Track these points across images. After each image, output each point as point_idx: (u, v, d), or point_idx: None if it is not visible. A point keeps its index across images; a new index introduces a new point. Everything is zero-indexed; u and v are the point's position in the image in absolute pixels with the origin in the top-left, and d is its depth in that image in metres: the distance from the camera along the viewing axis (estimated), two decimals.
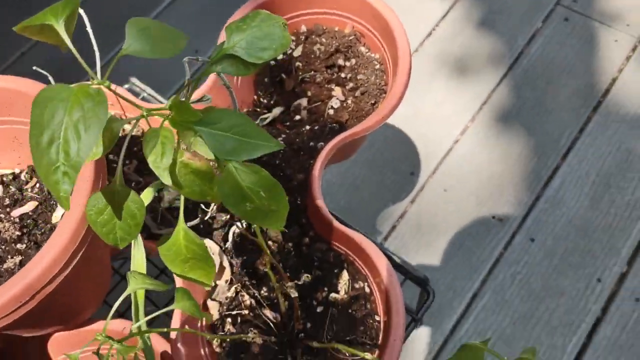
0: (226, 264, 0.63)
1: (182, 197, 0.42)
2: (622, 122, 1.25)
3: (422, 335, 1.09)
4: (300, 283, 0.58)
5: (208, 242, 0.64)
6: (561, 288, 1.10)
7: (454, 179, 1.23)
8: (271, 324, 0.61)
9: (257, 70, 0.73)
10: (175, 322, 0.58)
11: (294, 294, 0.54)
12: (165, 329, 0.45)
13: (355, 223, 0.74)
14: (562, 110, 1.27)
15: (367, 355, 0.49)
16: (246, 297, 0.62)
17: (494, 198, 1.20)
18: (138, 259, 0.46)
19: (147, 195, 0.47)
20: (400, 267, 0.75)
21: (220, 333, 0.61)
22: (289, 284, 0.54)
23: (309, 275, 0.62)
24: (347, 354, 0.57)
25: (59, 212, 0.53)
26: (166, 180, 0.37)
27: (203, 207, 0.64)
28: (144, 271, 0.46)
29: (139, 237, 0.46)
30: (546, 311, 1.09)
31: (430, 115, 1.29)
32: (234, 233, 0.65)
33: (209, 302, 0.62)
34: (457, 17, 1.40)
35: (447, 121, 1.28)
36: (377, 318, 0.60)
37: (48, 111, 0.33)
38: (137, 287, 0.40)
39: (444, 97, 1.31)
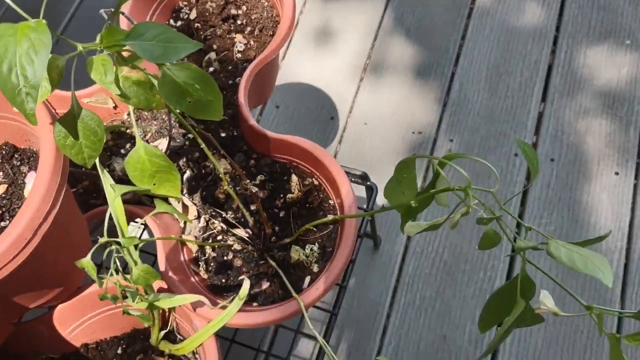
0: (189, 203, 0.70)
1: (132, 109, 0.49)
2: (494, 20, 1.40)
3: (382, 250, 1.19)
4: (257, 183, 0.66)
5: None
6: (487, 172, 1.23)
7: (369, 111, 1.33)
8: (245, 238, 0.69)
9: None
10: (161, 258, 0.64)
11: (254, 189, 0.62)
12: (150, 239, 0.52)
13: None
14: (442, 26, 1.41)
15: (330, 216, 0.58)
16: (216, 223, 0.69)
17: (408, 116, 1.32)
18: (106, 181, 0.52)
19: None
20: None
21: (202, 259, 0.68)
22: (247, 181, 0.62)
23: (264, 191, 0.70)
24: (316, 230, 0.66)
25: (28, 186, 0.59)
26: (114, 91, 0.44)
27: None
28: (119, 200, 0.53)
29: (105, 173, 0.52)
30: (481, 195, 1.22)
31: (332, 65, 1.39)
32: (188, 177, 0.72)
33: (185, 238, 0.70)
34: None
35: (348, 64, 1.39)
36: (330, 201, 0.69)
37: (1, 46, 0.39)
38: (116, 195, 0.47)
39: (337, 46, 1.41)
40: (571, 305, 1.06)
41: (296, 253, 0.65)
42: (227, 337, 0.79)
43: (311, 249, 0.65)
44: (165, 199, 0.67)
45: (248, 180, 0.63)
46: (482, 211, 0.55)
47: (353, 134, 1.32)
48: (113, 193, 0.47)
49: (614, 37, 1.34)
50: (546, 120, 1.27)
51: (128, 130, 0.75)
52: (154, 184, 0.51)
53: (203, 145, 0.59)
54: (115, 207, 0.51)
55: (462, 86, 1.33)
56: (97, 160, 0.54)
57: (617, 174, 1.20)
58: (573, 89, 1.30)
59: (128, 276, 0.49)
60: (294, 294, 0.61)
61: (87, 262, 0.45)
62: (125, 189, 0.48)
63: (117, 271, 0.48)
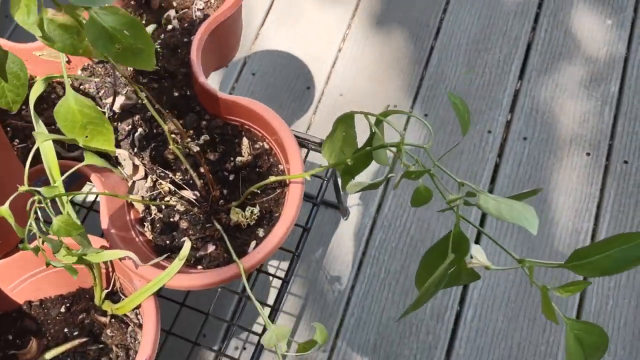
0: (138, 162, 0.69)
1: (63, 60, 0.47)
2: None
3: (350, 222, 1.19)
4: (200, 143, 0.64)
5: (118, 150, 0.70)
6: (459, 147, 1.22)
7: (346, 82, 1.32)
8: (192, 200, 0.68)
9: None
10: (104, 216, 0.63)
11: (196, 148, 0.61)
12: (87, 192, 0.51)
13: None
14: None
15: (272, 177, 0.57)
16: (164, 184, 0.68)
17: (385, 89, 1.30)
18: (40, 128, 0.51)
19: (38, 87, 0.52)
20: (300, 139, 0.82)
21: (148, 219, 0.67)
22: (188, 140, 0.61)
23: (215, 153, 0.69)
24: (263, 194, 0.65)
25: None
26: (37, 32, 0.43)
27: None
28: (51, 144, 0.51)
29: (38, 118, 0.51)
30: (452, 171, 1.21)
31: (311, 34, 1.37)
32: (139, 136, 0.71)
33: (132, 198, 0.68)
34: None
35: (327, 34, 1.36)
36: (280, 167, 0.68)
37: None
38: (38, 143, 0.46)
39: (318, 14, 1.39)
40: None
41: (235, 215, 0.64)
42: (177, 301, 0.78)
43: (251, 212, 0.64)
44: (106, 155, 0.66)
45: (189, 139, 0.62)
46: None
47: (328, 105, 1.30)
48: (40, 139, 0.46)
49: (596, 16, 1.32)
50: (522, 98, 1.26)
51: (81, 87, 0.73)
52: (86, 137, 0.50)
53: (146, 103, 0.58)
54: (47, 154, 0.50)
55: (441, 61, 1.32)
56: (31, 108, 0.52)
57: (588, 154, 1.19)
58: (551, 68, 1.28)
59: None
60: (234, 256, 0.60)
61: (4, 210, 0.44)
62: (51, 136, 0.47)
63: (38, 222, 0.47)
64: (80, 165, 0.49)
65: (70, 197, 0.49)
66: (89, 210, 0.85)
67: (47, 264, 0.48)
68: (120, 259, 0.59)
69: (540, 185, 1.18)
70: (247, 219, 0.64)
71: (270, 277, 1.13)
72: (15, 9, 0.42)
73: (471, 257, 0.51)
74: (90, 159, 0.48)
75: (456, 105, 0.49)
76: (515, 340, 1.07)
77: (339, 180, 0.99)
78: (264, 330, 0.76)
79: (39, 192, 0.44)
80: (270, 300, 1.11)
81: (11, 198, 0.44)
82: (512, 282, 1.11)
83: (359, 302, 1.12)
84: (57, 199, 0.49)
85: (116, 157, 0.70)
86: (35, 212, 0.46)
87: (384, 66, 1.32)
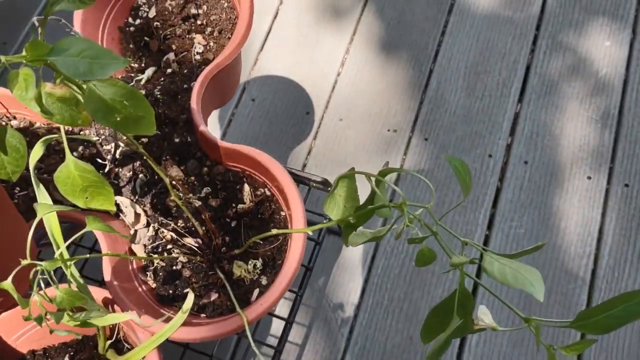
0: (140, 211, 0.69)
1: (62, 129, 0.47)
2: (475, 16, 1.38)
3: (352, 249, 1.19)
4: (202, 196, 0.65)
5: (119, 198, 0.70)
6: (449, 177, 1.22)
7: (345, 107, 1.32)
8: (195, 248, 0.68)
9: (119, 39, 0.79)
10: (107, 268, 0.64)
11: (197, 203, 0.61)
12: (89, 255, 0.51)
13: None
14: (423, 21, 1.39)
15: (274, 230, 0.57)
16: (165, 232, 0.68)
17: (384, 113, 1.30)
18: (41, 196, 0.51)
19: (37, 151, 0.52)
20: (301, 178, 0.83)
21: (151, 268, 0.67)
22: (189, 195, 0.61)
23: (217, 199, 0.69)
24: (264, 244, 0.65)
25: None
26: (35, 108, 0.43)
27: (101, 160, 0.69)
28: (55, 214, 0.52)
29: (39, 183, 0.51)
30: (453, 195, 1.21)
31: (310, 59, 1.37)
32: (140, 182, 0.71)
33: (134, 247, 0.69)
34: None
35: (326, 59, 1.37)
36: (282, 213, 0.68)
37: None
38: (45, 212, 0.46)
39: (316, 38, 1.39)
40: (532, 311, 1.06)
41: (238, 269, 0.64)
42: (181, 343, 0.78)
43: (254, 265, 0.64)
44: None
45: (191, 195, 0.62)
46: (416, 229, 0.54)
47: (328, 130, 1.30)
48: (41, 212, 0.46)
49: (594, 37, 1.32)
50: (522, 122, 1.26)
51: (81, 132, 0.74)
52: (87, 198, 0.50)
53: (146, 156, 0.58)
54: (51, 224, 0.50)
55: (440, 84, 1.32)
56: (32, 174, 0.53)
57: (589, 178, 1.19)
58: (550, 90, 1.28)
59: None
60: (237, 309, 0.60)
61: (8, 285, 0.44)
62: (53, 209, 0.47)
63: (41, 291, 0.47)
64: (82, 231, 0.50)
65: (73, 262, 0.50)
66: (91, 251, 0.85)
67: (51, 332, 0.48)
68: (137, 324, 0.59)
69: (542, 209, 1.18)
70: (249, 273, 0.64)
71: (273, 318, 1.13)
72: (13, 84, 0.42)
73: (478, 319, 0.51)
74: (92, 225, 0.49)
75: (456, 167, 0.50)
76: None
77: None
78: None
79: (41, 264, 0.45)
80: (274, 339, 1.11)
81: (14, 272, 0.44)
82: (515, 306, 1.11)
83: (363, 331, 1.12)
84: (63, 267, 0.49)
85: (118, 205, 0.70)
86: (39, 284, 0.46)
87: (382, 90, 1.32)
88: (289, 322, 0.76)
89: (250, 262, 0.64)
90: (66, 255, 0.49)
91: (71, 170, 0.48)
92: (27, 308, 0.45)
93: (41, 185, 0.51)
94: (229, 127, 1.32)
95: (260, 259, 0.65)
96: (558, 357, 0.49)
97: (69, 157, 0.48)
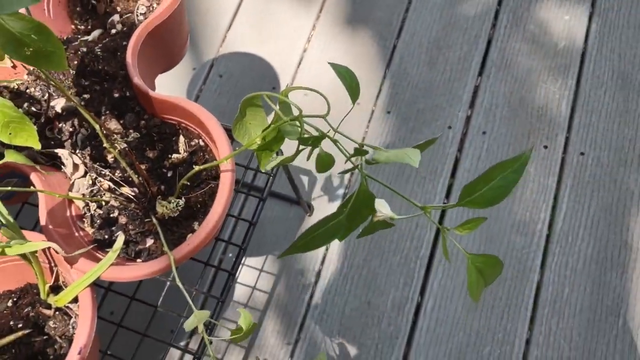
0: (78, 161, 0.72)
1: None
2: None
3: (314, 218, 1.21)
4: (130, 140, 0.67)
5: (59, 150, 0.73)
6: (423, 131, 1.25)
7: (310, 82, 1.34)
8: (131, 197, 0.70)
9: (66, 1, 0.82)
10: (42, 212, 0.66)
11: (122, 145, 0.63)
12: (17, 188, 0.54)
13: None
14: None
15: (196, 167, 0.59)
16: (103, 182, 0.71)
17: (337, 93, 1.33)
18: None
19: None
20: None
21: (88, 215, 0.70)
22: (115, 137, 0.63)
23: (154, 151, 0.72)
24: (196, 189, 0.67)
25: None
26: None
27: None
28: None
29: None
30: (412, 168, 1.23)
31: (277, 35, 1.40)
32: (81, 137, 0.74)
33: (72, 195, 0.71)
34: None
35: (292, 35, 1.39)
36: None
37: None
38: None
39: (283, 16, 1.42)
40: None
41: (161, 207, 0.67)
42: (127, 295, 0.81)
43: (176, 203, 0.67)
44: (51, 163, 0.69)
45: (116, 136, 0.65)
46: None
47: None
48: None
49: (554, 11, 1.34)
50: (481, 94, 1.28)
51: (28, 90, 0.77)
52: (10, 134, 0.53)
53: (77, 105, 0.61)
54: None
55: (403, 59, 1.34)
56: None
57: (545, 147, 1.21)
58: (510, 64, 1.31)
59: None
60: (165, 248, 0.63)
61: None
62: None
63: None
64: (3, 161, 0.52)
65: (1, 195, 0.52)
66: (23, 204, 0.86)
67: None
68: (57, 252, 0.62)
69: None
70: (171, 210, 0.66)
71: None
72: None
73: (377, 211, 0.54)
74: (10, 157, 0.51)
75: (341, 74, 0.52)
76: (474, 329, 1.09)
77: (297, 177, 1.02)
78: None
79: None
80: (197, 286, 1.14)
81: None
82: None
83: (323, 295, 1.14)
84: None
85: (59, 157, 0.73)
86: None
87: (348, 65, 1.34)
88: (231, 273, 0.78)
89: (172, 201, 0.67)
90: None
91: None
92: None
93: None
94: (196, 102, 1.35)
95: (182, 199, 0.67)
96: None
97: None
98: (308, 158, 0.62)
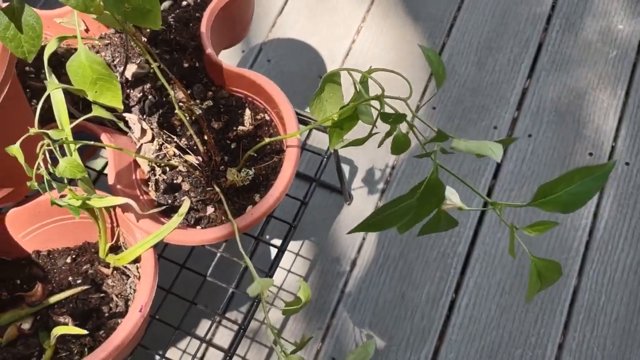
0: (146, 127, 0.73)
1: (76, 17, 0.52)
2: None
3: (353, 207, 1.22)
4: (203, 107, 0.68)
5: (128, 115, 0.74)
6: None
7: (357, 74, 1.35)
8: (195, 164, 0.72)
9: None
10: (111, 174, 0.68)
11: (198, 111, 0.65)
12: (90, 142, 0.55)
13: None
14: None
15: (266, 139, 0.60)
16: (169, 148, 0.72)
17: (395, 81, 1.33)
18: (52, 79, 0.55)
19: (52, 45, 0.56)
20: (303, 118, 0.86)
21: (152, 179, 0.72)
22: (191, 102, 0.65)
23: (219, 122, 0.73)
24: (260, 163, 0.68)
25: None
26: None
27: None
28: (61, 94, 0.56)
29: (51, 72, 0.56)
30: (455, 164, 1.24)
31: (327, 24, 1.41)
32: (149, 103, 0.75)
33: (138, 160, 0.73)
34: None
35: (342, 25, 1.40)
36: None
37: None
38: (53, 88, 0.50)
39: (334, 5, 1.42)
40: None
41: (231, 175, 0.68)
42: (177, 262, 0.82)
43: (246, 173, 0.68)
44: (117, 117, 0.70)
45: (192, 102, 0.66)
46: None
47: None
48: (50, 87, 0.51)
49: (608, 20, 1.34)
50: (529, 97, 1.28)
51: (98, 54, 0.78)
52: (95, 92, 0.54)
53: (156, 70, 0.62)
54: (57, 103, 0.54)
55: (452, 57, 1.34)
56: (45, 62, 0.57)
57: (591, 154, 1.21)
58: (560, 69, 1.30)
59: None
60: (229, 216, 0.64)
61: (15, 149, 0.49)
62: (61, 86, 0.51)
63: (46, 164, 0.51)
64: (88, 115, 0.54)
65: (78, 146, 0.54)
66: (99, 175, 0.90)
67: (52, 203, 0.52)
68: (124, 212, 0.64)
69: (542, 181, 1.20)
70: (241, 179, 0.67)
71: (270, 248, 1.17)
72: None
73: (446, 199, 0.54)
74: (97, 111, 0.53)
75: (429, 57, 0.52)
76: (507, 329, 1.09)
77: (341, 165, 1.03)
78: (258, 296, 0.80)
79: (48, 135, 0.49)
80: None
81: (22, 139, 0.48)
82: (508, 273, 1.13)
83: (357, 284, 1.15)
84: (65, 147, 0.54)
85: (127, 122, 0.74)
86: (44, 155, 0.50)
87: (395, 59, 1.35)
88: (281, 249, 0.79)
89: (243, 170, 0.68)
90: (71, 138, 0.54)
91: (82, 59, 0.52)
92: (31, 175, 0.50)
93: (52, 74, 0.56)
94: None
95: (252, 169, 0.69)
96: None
97: (81, 47, 0.52)
98: (380, 144, 0.62)
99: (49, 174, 0.52)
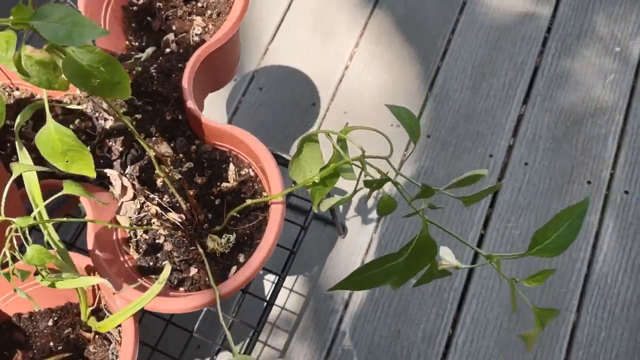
0: (127, 184, 0.71)
1: (44, 92, 0.49)
2: (486, 16, 1.37)
3: (347, 241, 1.20)
4: (184, 170, 0.66)
5: (108, 170, 0.72)
6: (460, 171, 1.22)
7: (351, 100, 1.33)
8: (177, 223, 0.69)
9: (122, 17, 0.81)
10: (90, 236, 0.66)
11: (178, 176, 0.62)
12: (67, 219, 0.53)
13: None
14: (433, 19, 1.39)
15: (249, 201, 0.58)
16: (151, 206, 0.70)
17: (378, 122, 1.31)
18: (23, 157, 0.53)
19: (25, 115, 0.54)
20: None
21: (134, 240, 0.69)
22: (170, 167, 0.62)
23: (202, 177, 0.71)
24: (244, 222, 0.66)
25: None
26: (12, 68, 0.45)
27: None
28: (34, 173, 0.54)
29: (22, 145, 0.53)
30: (448, 202, 1.21)
31: (319, 51, 1.38)
32: (131, 157, 0.73)
33: (119, 219, 0.71)
34: None
35: (335, 52, 1.38)
36: (264, 194, 0.70)
37: None
38: (21, 171, 0.48)
39: (326, 31, 1.40)
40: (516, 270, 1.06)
41: (212, 242, 0.66)
42: (164, 318, 0.80)
43: (228, 239, 0.65)
44: (98, 182, 0.68)
45: (172, 167, 0.64)
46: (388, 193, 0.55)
47: (332, 122, 1.31)
48: (17, 171, 0.48)
49: (604, 43, 1.31)
50: (525, 123, 1.26)
51: (79, 106, 0.76)
52: (67, 161, 0.52)
53: (131, 129, 0.60)
54: (29, 181, 0.52)
55: (446, 82, 1.32)
56: (16, 136, 0.55)
57: (589, 182, 1.19)
58: (556, 93, 1.28)
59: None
60: (211, 282, 0.62)
61: None
62: (29, 168, 0.49)
63: (13, 250, 0.49)
64: (59, 194, 0.52)
65: (51, 223, 0.52)
66: (84, 227, 0.88)
67: (15, 290, 0.50)
68: (108, 288, 0.62)
69: (540, 211, 1.18)
70: (222, 246, 0.65)
71: (264, 281, 1.15)
72: None
73: (441, 259, 0.53)
74: (68, 189, 0.51)
75: (399, 115, 0.51)
76: None
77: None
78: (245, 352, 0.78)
79: (14, 221, 0.47)
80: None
81: None
82: (505, 307, 1.11)
83: (352, 321, 1.13)
84: (40, 225, 0.52)
85: (108, 177, 0.72)
86: (11, 241, 0.48)
87: (389, 85, 1.33)
88: (269, 303, 0.77)
89: (224, 236, 0.66)
90: (45, 216, 0.51)
91: (51, 132, 0.50)
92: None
93: (24, 148, 0.54)
94: (235, 114, 1.34)
95: (234, 234, 0.66)
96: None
97: (50, 121, 0.50)
98: (366, 200, 0.60)
99: (14, 259, 0.50)
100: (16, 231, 0.47)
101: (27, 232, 0.48)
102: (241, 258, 0.67)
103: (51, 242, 0.55)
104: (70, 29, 0.45)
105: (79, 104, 0.76)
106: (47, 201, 0.52)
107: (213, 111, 1.34)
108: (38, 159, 0.74)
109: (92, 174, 0.54)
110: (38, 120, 0.74)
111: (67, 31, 0.45)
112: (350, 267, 1.17)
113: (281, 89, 1.35)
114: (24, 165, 0.49)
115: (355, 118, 1.31)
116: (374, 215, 1.22)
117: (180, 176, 0.63)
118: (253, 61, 1.39)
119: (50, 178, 0.70)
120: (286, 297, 1.16)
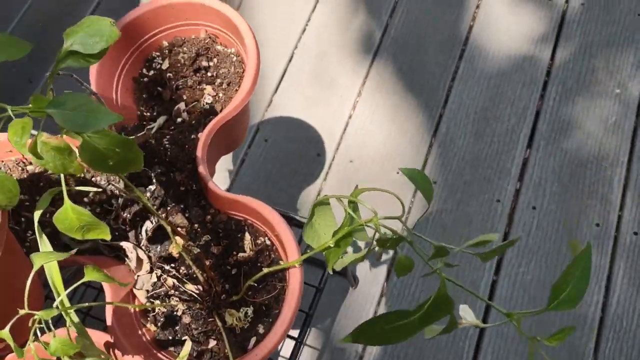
0: (143, 256, 0.72)
1: (62, 177, 0.50)
2: (485, 62, 1.40)
3: (359, 291, 1.19)
4: (202, 243, 0.67)
5: (124, 243, 0.73)
6: (469, 217, 1.23)
7: (356, 149, 1.34)
8: (195, 295, 0.70)
9: (133, 89, 0.83)
10: (109, 313, 0.66)
11: (196, 250, 0.63)
12: (88, 304, 0.53)
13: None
14: (434, 66, 1.41)
15: (265, 269, 0.58)
16: (167, 279, 0.71)
17: (394, 156, 1.32)
18: (43, 246, 0.54)
19: (43, 203, 0.55)
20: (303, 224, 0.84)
21: (152, 314, 0.69)
22: (189, 242, 0.63)
23: (218, 247, 0.71)
24: (262, 292, 0.66)
25: None
26: (26, 153, 0.46)
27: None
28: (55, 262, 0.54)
29: (41, 233, 0.54)
30: (460, 240, 1.21)
31: (322, 101, 1.40)
32: (145, 230, 0.73)
33: (136, 292, 0.71)
34: (323, 11, 1.53)
35: (338, 102, 1.40)
36: (281, 262, 0.70)
37: None
38: (42, 262, 0.49)
39: (329, 81, 1.42)
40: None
41: (230, 318, 0.66)
42: None
43: (245, 313, 0.66)
44: (114, 255, 0.68)
45: (190, 242, 0.64)
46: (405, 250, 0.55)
47: (338, 172, 1.33)
48: (38, 262, 0.49)
49: (604, 85, 1.33)
50: (530, 168, 1.27)
51: (93, 178, 0.77)
52: (83, 232, 0.53)
53: (146, 203, 0.61)
54: (51, 272, 0.53)
55: (449, 129, 1.34)
56: (36, 225, 0.55)
57: (597, 225, 1.19)
58: (559, 137, 1.29)
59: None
60: (231, 359, 0.62)
61: (5, 334, 0.47)
62: (49, 259, 0.50)
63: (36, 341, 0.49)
64: (80, 282, 0.52)
65: (74, 309, 0.52)
66: (99, 292, 0.88)
67: None
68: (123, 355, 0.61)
69: (550, 256, 1.18)
70: (241, 321, 0.65)
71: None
72: (12, 130, 0.46)
73: (461, 318, 0.53)
74: (90, 275, 0.51)
75: (412, 177, 0.51)
76: None
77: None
78: None
79: (37, 314, 0.47)
80: None
81: (11, 322, 0.47)
82: (521, 356, 1.10)
83: None
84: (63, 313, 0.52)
85: (124, 250, 0.72)
86: (35, 333, 0.48)
87: (393, 133, 1.34)
88: None
89: (241, 310, 0.66)
90: (67, 304, 0.52)
91: (69, 213, 0.51)
92: (22, 358, 0.48)
93: (44, 236, 0.54)
94: (241, 166, 1.35)
95: (251, 307, 0.66)
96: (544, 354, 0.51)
97: (67, 202, 0.51)
98: (378, 258, 0.60)
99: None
100: (39, 322, 0.48)
101: (49, 322, 0.48)
102: (260, 329, 0.67)
103: (73, 327, 0.55)
104: (86, 116, 0.46)
105: (92, 177, 0.77)
106: (68, 290, 0.53)
107: (220, 165, 1.35)
108: (54, 233, 0.75)
109: (108, 236, 0.55)
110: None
111: (83, 119, 0.46)
112: (363, 318, 1.16)
113: (286, 140, 1.37)
114: (44, 256, 0.49)
115: (361, 167, 1.32)
116: (384, 264, 1.22)
117: (198, 250, 0.64)
118: (258, 113, 1.40)
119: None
120: (299, 351, 1.15)
